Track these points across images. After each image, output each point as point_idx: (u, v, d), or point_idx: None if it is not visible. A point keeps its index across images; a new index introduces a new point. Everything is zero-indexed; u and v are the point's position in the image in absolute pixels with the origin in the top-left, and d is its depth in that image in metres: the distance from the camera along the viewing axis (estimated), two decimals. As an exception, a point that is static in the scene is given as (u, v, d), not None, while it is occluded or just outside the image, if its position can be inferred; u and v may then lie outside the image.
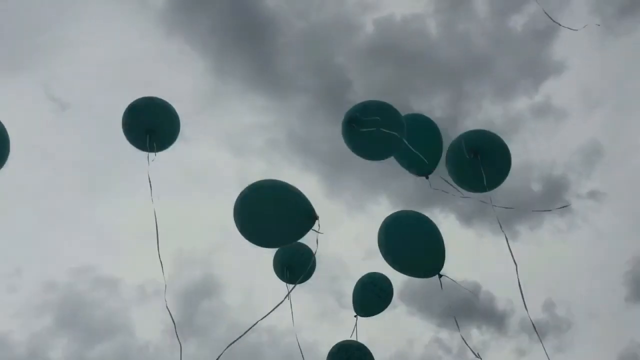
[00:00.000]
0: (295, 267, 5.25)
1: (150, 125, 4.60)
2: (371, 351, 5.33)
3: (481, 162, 4.38)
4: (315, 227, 3.56)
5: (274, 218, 3.58)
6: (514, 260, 4.05)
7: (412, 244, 4.21)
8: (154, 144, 4.52)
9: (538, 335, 4.00)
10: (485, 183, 4.31)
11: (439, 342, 12.56)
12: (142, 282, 12.27)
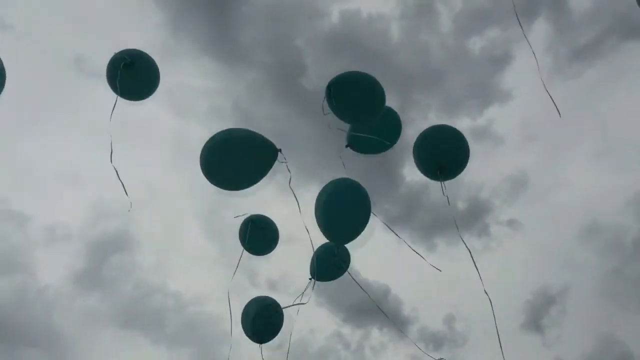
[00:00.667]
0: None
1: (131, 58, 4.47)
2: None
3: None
4: (281, 158, 3.92)
5: (241, 158, 3.85)
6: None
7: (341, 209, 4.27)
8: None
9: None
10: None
11: (340, 336, 12.81)
12: (52, 223, 11.89)
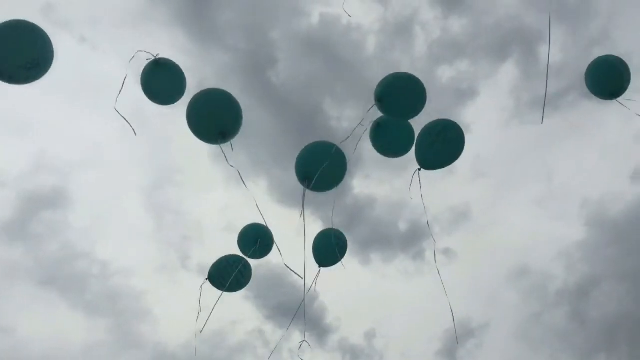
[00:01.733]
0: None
1: None
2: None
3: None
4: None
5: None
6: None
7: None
8: None
9: None
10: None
11: (260, 333, 12.77)
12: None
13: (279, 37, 12.23)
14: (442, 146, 4.73)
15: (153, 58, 4.46)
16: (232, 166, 4.31)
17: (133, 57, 4.35)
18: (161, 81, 4.58)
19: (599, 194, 12.56)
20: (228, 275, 5.55)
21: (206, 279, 5.66)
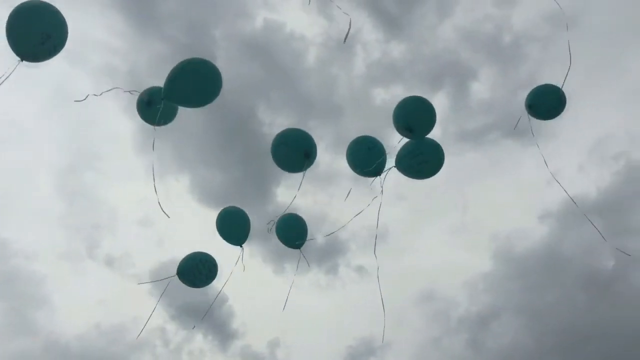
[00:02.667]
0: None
1: None
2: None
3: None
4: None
5: None
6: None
7: None
8: None
9: None
10: None
11: (162, 332, 12.46)
12: None
13: (220, 35, 12.10)
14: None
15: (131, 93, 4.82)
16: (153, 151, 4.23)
17: (108, 90, 4.51)
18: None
19: (508, 230, 13.14)
20: (198, 272, 5.52)
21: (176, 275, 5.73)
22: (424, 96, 5.02)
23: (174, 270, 5.66)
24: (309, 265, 5.15)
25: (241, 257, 5.36)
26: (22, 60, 3.99)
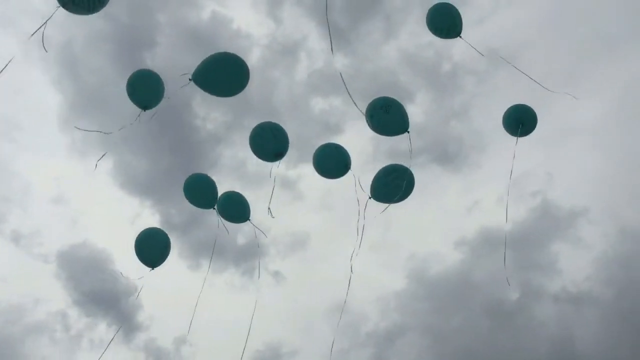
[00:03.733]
0: None
1: None
2: None
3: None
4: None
5: None
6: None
7: None
8: None
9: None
10: None
11: (64, 317, 11.97)
12: None
13: (164, 20, 11.83)
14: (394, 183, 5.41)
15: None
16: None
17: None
18: None
19: (424, 252, 13.50)
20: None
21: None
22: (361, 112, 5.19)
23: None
24: (273, 217, 5.19)
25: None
26: None
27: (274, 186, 5.10)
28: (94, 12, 4.16)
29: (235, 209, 5.76)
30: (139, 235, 5.60)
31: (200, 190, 5.66)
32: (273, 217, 5.34)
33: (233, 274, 12.54)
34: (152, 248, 5.53)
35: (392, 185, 5.38)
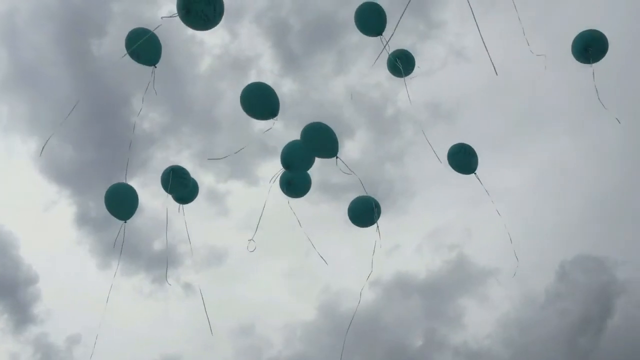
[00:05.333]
0: None
1: None
2: None
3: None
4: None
5: None
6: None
7: None
8: None
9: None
10: None
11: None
12: None
13: (117, 10, 11.60)
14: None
15: None
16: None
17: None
18: None
19: (339, 286, 13.58)
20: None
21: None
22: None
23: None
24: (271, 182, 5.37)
25: None
26: None
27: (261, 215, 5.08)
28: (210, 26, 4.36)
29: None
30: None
31: (120, 202, 5.45)
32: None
33: (142, 280, 12.20)
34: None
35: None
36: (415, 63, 5.97)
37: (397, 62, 5.72)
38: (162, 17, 4.44)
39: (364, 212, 5.64)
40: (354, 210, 5.74)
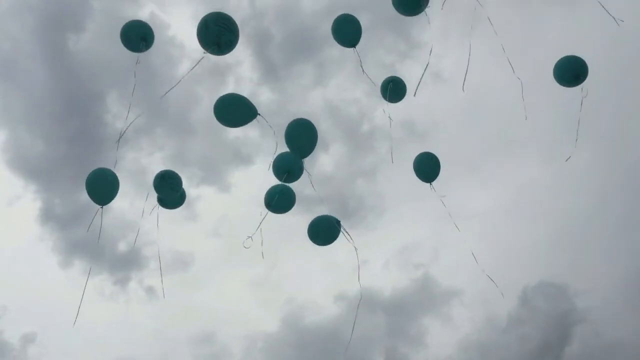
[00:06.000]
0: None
1: None
2: None
3: None
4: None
5: None
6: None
7: None
8: None
9: None
10: None
11: None
12: None
13: (98, 8, 11.48)
14: None
15: None
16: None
17: None
18: None
19: (303, 299, 13.53)
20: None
21: None
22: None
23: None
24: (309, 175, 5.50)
25: None
26: None
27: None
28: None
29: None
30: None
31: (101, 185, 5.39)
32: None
33: (104, 281, 11.98)
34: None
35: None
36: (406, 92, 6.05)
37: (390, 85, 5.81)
38: (203, 53, 4.85)
39: (322, 231, 5.69)
40: (313, 232, 5.76)
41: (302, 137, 5.48)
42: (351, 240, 5.37)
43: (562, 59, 5.54)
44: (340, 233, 5.58)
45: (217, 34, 4.77)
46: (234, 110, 5.28)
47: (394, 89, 5.92)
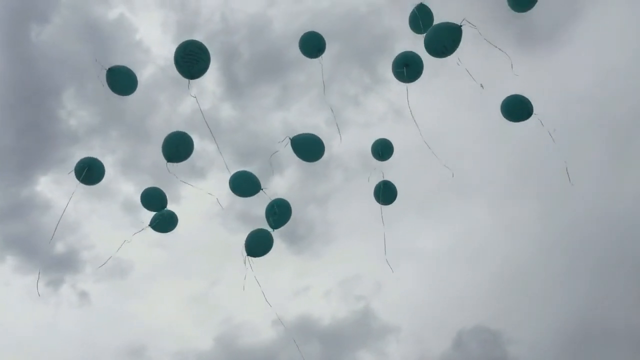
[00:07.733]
0: None
1: None
2: None
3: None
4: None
5: None
6: None
7: None
8: None
9: None
10: None
11: None
12: None
13: (65, 3, 11.29)
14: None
15: None
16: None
17: None
18: None
19: (240, 320, 13.34)
20: None
21: None
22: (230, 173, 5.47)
23: None
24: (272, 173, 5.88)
25: None
26: None
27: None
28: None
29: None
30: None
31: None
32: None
33: (35, 280, 11.52)
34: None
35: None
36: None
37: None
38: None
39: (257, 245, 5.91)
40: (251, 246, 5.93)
41: (283, 216, 5.98)
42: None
43: (507, 97, 5.67)
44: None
45: (187, 68, 5.14)
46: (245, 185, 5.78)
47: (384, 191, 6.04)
